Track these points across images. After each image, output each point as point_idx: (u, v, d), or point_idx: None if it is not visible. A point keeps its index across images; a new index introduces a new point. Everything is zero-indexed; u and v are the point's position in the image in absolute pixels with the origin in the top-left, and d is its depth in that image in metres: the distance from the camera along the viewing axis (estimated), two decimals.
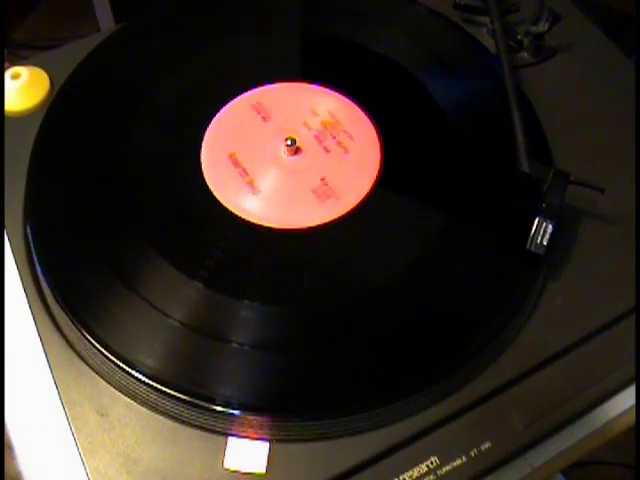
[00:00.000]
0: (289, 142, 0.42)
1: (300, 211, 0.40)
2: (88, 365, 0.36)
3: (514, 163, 0.40)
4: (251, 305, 0.37)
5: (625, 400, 0.37)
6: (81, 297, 0.37)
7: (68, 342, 0.37)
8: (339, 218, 0.40)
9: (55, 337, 0.37)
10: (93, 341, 0.36)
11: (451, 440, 0.35)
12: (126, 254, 0.39)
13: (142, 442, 0.34)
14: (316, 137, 0.43)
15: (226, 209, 0.40)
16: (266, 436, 0.34)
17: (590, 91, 0.47)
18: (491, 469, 0.35)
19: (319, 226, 0.40)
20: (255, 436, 0.34)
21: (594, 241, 0.41)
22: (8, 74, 0.46)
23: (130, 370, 0.35)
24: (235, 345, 0.36)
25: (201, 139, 0.43)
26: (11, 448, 0.36)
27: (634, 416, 0.37)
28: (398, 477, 0.34)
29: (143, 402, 0.35)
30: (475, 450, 0.34)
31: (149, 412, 0.35)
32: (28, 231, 0.40)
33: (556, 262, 0.39)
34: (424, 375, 0.35)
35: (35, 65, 0.47)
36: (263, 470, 0.33)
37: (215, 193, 0.41)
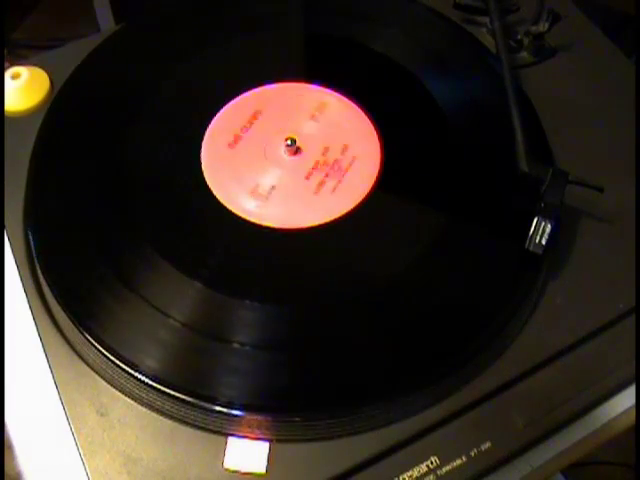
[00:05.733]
0: (289, 142, 0.42)
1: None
2: (88, 365, 0.36)
3: (514, 163, 0.41)
4: (251, 305, 0.37)
5: (625, 400, 0.37)
6: (81, 297, 0.37)
7: (68, 342, 0.37)
8: (339, 218, 0.40)
9: (55, 337, 0.37)
10: (93, 341, 0.36)
11: (451, 440, 0.35)
12: (126, 254, 0.39)
13: (142, 442, 0.34)
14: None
15: (226, 209, 0.40)
16: (266, 436, 0.34)
17: (590, 91, 0.47)
18: (491, 469, 0.35)
19: (319, 226, 0.40)
20: (255, 436, 0.34)
21: (594, 241, 0.41)
22: (8, 74, 0.46)
23: (130, 370, 0.35)
24: (235, 345, 0.36)
25: (201, 139, 0.43)
26: (11, 448, 0.36)
27: (634, 416, 0.37)
28: (398, 477, 0.34)
29: (143, 402, 0.35)
30: (475, 450, 0.34)
31: (149, 412, 0.35)
32: (28, 231, 0.40)
33: (556, 262, 0.39)
34: (424, 375, 0.35)
35: (35, 65, 0.47)
36: (263, 470, 0.33)
37: (215, 193, 0.41)
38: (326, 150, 0.43)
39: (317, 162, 0.43)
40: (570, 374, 0.37)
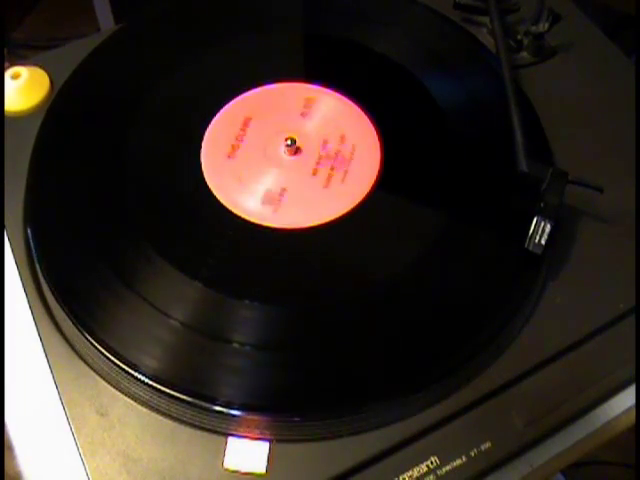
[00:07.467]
0: (289, 142, 0.42)
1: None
2: (88, 365, 0.36)
3: (513, 163, 0.40)
4: (251, 305, 0.37)
5: (625, 400, 0.37)
6: (81, 297, 0.37)
7: (68, 342, 0.37)
8: (339, 218, 0.40)
9: (55, 337, 0.37)
10: (93, 341, 0.36)
11: (451, 440, 0.35)
12: (126, 254, 0.39)
13: (142, 442, 0.34)
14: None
15: (226, 209, 0.40)
16: (266, 436, 0.34)
17: (590, 91, 0.47)
18: (491, 469, 0.35)
19: (319, 226, 0.40)
20: (255, 436, 0.34)
21: (594, 241, 0.41)
22: (8, 74, 0.46)
23: (130, 370, 0.35)
24: (234, 345, 0.36)
25: (201, 139, 0.43)
26: (11, 448, 0.35)
27: (634, 416, 0.37)
28: (398, 477, 0.34)
29: (143, 402, 0.35)
30: (475, 450, 0.34)
31: (149, 412, 0.35)
32: (28, 231, 0.40)
33: (556, 262, 0.39)
34: (424, 375, 0.35)
35: (35, 65, 0.47)
36: (263, 470, 0.33)
37: (215, 193, 0.41)
38: (325, 150, 0.43)
39: (317, 161, 0.43)
40: (570, 374, 0.37)
